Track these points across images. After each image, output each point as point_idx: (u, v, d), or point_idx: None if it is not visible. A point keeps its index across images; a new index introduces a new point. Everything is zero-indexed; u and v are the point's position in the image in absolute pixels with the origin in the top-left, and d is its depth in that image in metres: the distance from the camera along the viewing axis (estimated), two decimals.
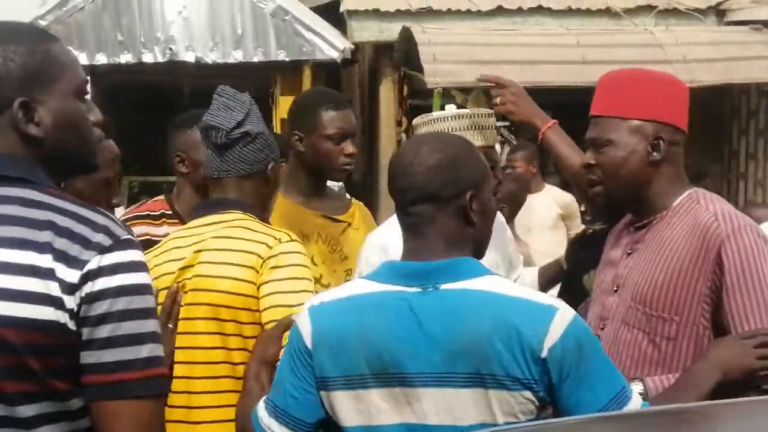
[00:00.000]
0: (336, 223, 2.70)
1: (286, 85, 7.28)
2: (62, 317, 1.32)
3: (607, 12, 7.25)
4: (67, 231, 1.34)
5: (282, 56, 7.29)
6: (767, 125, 7.46)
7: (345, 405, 1.58)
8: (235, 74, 6.85)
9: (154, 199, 2.84)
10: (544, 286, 2.88)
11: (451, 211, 1.60)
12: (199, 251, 2.02)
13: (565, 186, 5.35)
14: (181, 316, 2.02)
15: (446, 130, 2.46)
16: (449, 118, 2.53)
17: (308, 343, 1.60)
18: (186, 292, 2.02)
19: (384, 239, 2.40)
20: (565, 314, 1.52)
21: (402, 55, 7.25)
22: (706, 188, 2.03)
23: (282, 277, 1.93)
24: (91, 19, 7.21)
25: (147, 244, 2.44)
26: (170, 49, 7.26)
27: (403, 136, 7.14)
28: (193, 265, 2.02)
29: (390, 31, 7.12)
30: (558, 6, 7.28)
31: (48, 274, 1.32)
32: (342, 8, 7.27)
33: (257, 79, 6.85)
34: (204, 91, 2.69)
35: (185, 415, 2.00)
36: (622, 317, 1.95)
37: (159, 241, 2.55)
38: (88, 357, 1.34)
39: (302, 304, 1.83)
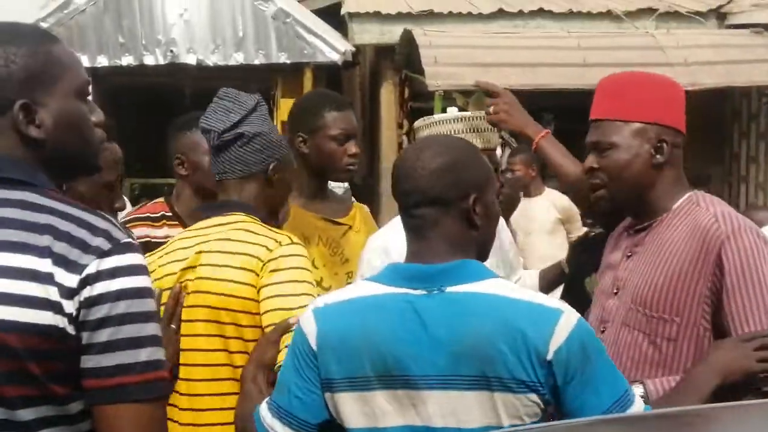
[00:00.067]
0: (337, 226, 2.70)
1: (287, 88, 7.28)
2: (61, 322, 1.32)
3: (608, 15, 7.25)
4: (66, 235, 1.34)
5: (283, 58, 7.30)
6: None
7: (349, 407, 1.58)
8: (236, 76, 6.85)
9: (154, 201, 2.84)
10: (545, 289, 2.88)
11: (455, 214, 1.60)
12: (201, 253, 2.02)
13: None
14: (182, 318, 2.02)
15: (447, 133, 2.46)
16: (450, 121, 2.53)
17: (313, 344, 1.60)
18: (188, 294, 2.02)
19: (385, 242, 2.40)
20: (569, 317, 1.52)
21: (403, 58, 7.26)
22: (708, 192, 2.03)
23: (282, 281, 1.92)
24: (92, 21, 7.22)
25: (147, 246, 2.44)
26: (171, 51, 7.27)
27: (404, 138, 7.15)
28: (194, 267, 2.02)
29: (391, 34, 7.12)
30: (559, 9, 7.28)
31: (47, 278, 1.32)
32: (343, 11, 7.28)
33: (258, 82, 6.85)
34: (205, 94, 2.69)
35: (193, 418, 2.00)
36: (622, 319, 1.95)
37: (159, 243, 2.56)
38: (88, 361, 1.34)
39: (302, 307, 1.83)
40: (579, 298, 2.35)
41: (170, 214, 2.74)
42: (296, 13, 7.35)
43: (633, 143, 1.95)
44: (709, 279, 1.84)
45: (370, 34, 7.23)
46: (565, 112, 6.68)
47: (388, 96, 7.48)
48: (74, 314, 1.32)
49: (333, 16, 7.61)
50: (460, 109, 2.66)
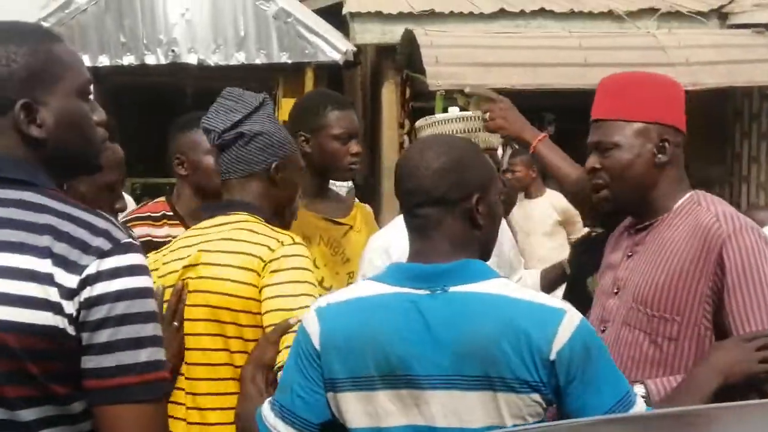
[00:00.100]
0: (338, 226, 2.70)
1: (289, 87, 7.28)
2: (61, 322, 1.32)
3: (610, 15, 7.24)
4: (66, 235, 1.34)
5: (284, 58, 7.30)
6: None
7: (352, 406, 1.58)
8: (238, 76, 6.85)
9: (156, 200, 2.84)
10: (546, 288, 2.89)
11: (458, 213, 1.61)
12: (202, 252, 2.02)
13: None
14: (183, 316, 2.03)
15: (448, 133, 2.46)
16: (452, 121, 2.53)
17: (316, 344, 1.61)
18: (189, 293, 2.02)
19: (387, 241, 2.40)
20: (573, 317, 1.52)
21: (404, 58, 7.26)
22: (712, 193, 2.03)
23: (283, 281, 1.92)
24: (93, 20, 7.23)
25: (148, 246, 2.44)
26: (173, 51, 7.27)
27: (406, 138, 7.15)
28: (196, 265, 2.02)
29: (392, 34, 7.12)
30: (560, 9, 7.28)
31: (47, 279, 1.32)
32: (344, 10, 7.28)
33: (259, 81, 6.85)
34: (206, 93, 2.69)
35: (201, 417, 2.00)
36: (623, 318, 1.95)
37: (160, 243, 2.56)
38: (89, 362, 1.34)
39: (303, 308, 1.84)
40: (581, 298, 2.35)
41: (171, 213, 2.74)
42: (298, 13, 7.35)
43: (635, 143, 1.94)
44: (711, 278, 1.83)
45: (372, 34, 7.23)
46: (567, 111, 6.68)
47: (389, 96, 7.48)
48: (74, 315, 1.32)
49: (334, 16, 7.61)
50: (461, 109, 2.66)
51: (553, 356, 1.49)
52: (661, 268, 1.90)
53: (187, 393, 2.01)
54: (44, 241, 1.33)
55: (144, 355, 1.35)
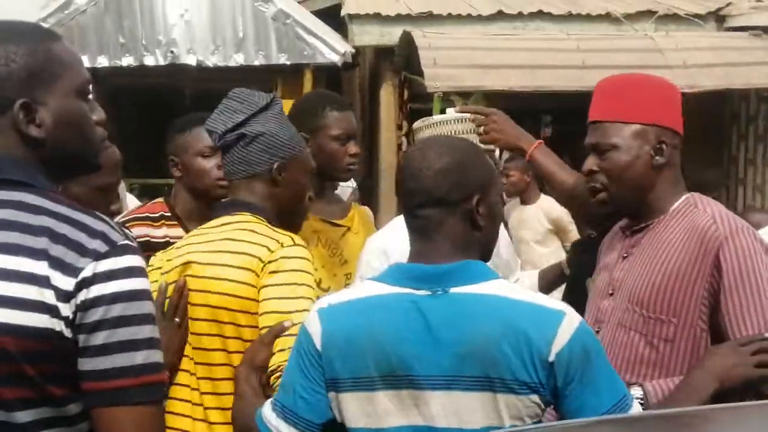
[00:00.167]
0: (335, 227, 2.70)
1: (287, 89, 7.29)
2: (57, 325, 1.32)
3: (607, 17, 7.25)
4: (63, 237, 1.34)
5: (283, 60, 7.31)
6: (766, 131, 7.46)
7: (353, 406, 1.59)
8: (236, 77, 6.84)
9: (154, 201, 2.85)
10: (545, 289, 2.88)
11: (459, 214, 1.61)
12: (204, 252, 2.03)
13: None
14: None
15: (446, 134, 2.46)
16: (449, 122, 2.53)
17: (318, 344, 1.61)
18: (189, 291, 2.02)
19: (384, 243, 2.40)
20: (572, 319, 1.53)
21: (402, 59, 7.27)
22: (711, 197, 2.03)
23: (280, 283, 1.92)
24: (92, 21, 7.23)
25: (146, 246, 2.45)
26: (172, 52, 7.27)
27: (404, 140, 7.16)
28: (197, 265, 2.02)
29: (391, 35, 7.13)
30: (558, 11, 7.29)
31: (43, 281, 1.32)
32: (343, 12, 7.28)
33: (258, 83, 6.80)
34: (205, 94, 2.70)
35: (203, 415, 2.01)
36: (618, 320, 1.96)
37: (158, 243, 2.57)
38: (86, 364, 1.34)
39: (299, 310, 1.84)
40: (581, 299, 2.35)
41: (169, 214, 2.74)
42: (296, 15, 7.36)
43: (633, 144, 1.95)
44: (707, 280, 1.84)
45: (370, 36, 7.23)
46: (564, 113, 6.69)
47: (387, 97, 7.49)
48: (70, 317, 1.32)
49: (333, 18, 7.62)
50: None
51: (552, 358, 1.50)
52: (657, 269, 1.90)
53: (192, 390, 2.02)
54: (41, 243, 1.33)
55: (140, 357, 1.34)
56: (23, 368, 1.32)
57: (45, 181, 1.41)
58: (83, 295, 1.32)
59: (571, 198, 2.47)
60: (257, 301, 1.94)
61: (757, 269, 1.82)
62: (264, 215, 2.06)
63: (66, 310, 1.32)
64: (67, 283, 1.32)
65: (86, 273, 1.32)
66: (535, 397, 1.51)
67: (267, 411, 1.67)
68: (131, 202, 3.84)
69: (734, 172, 7.71)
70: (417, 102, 7.19)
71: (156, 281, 2.04)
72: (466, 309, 1.54)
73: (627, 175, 1.95)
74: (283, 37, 7.29)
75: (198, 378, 2.01)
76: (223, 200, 2.21)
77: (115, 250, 1.35)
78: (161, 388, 1.39)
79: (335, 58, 7.27)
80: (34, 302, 1.32)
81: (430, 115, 2.70)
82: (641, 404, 1.74)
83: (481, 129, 2.49)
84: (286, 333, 1.83)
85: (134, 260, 1.37)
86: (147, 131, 7.27)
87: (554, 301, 1.61)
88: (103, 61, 7.23)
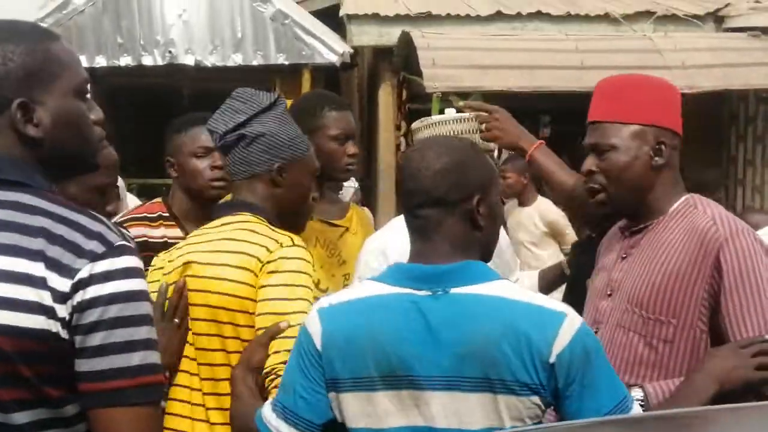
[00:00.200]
0: (334, 228, 2.70)
1: (286, 89, 7.27)
2: (54, 326, 1.32)
3: (606, 18, 7.26)
4: (60, 238, 1.33)
5: (281, 60, 7.30)
6: (765, 131, 7.47)
7: (353, 407, 1.59)
8: (235, 77, 6.85)
9: (152, 201, 2.84)
10: (545, 290, 2.88)
11: (459, 214, 1.61)
12: (204, 252, 2.03)
13: None
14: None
15: (445, 134, 2.46)
16: (448, 122, 2.53)
17: (318, 344, 1.61)
18: (189, 291, 2.02)
19: (383, 243, 2.40)
20: (573, 321, 1.53)
21: (401, 60, 7.27)
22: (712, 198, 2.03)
23: (278, 283, 1.91)
24: (90, 21, 7.23)
25: (144, 246, 2.45)
26: (170, 52, 7.27)
27: (402, 140, 7.15)
28: (197, 264, 2.02)
29: (389, 36, 7.13)
30: (557, 11, 7.29)
31: (40, 282, 1.32)
32: (341, 12, 7.28)
33: (256, 83, 6.80)
34: (203, 94, 2.70)
35: (204, 415, 2.00)
36: (617, 321, 1.95)
37: (156, 243, 2.57)
38: (83, 365, 1.34)
39: (297, 312, 1.84)
40: (581, 300, 2.35)
41: (167, 214, 2.74)
42: (295, 15, 7.36)
43: (632, 145, 1.95)
44: (707, 281, 1.84)
45: (369, 36, 7.23)
46: (563, 114, 6.69)
47: (386, 98, 7.49)
48: (67, 318, 1.32)
49: (331, 18, 7.62)
50: (458, 111, 2.66)
51: (552, 359, 1.49)
52: (656, 270, 1.90)
53: (192, 390, 2.01)
54: (38, 244, 1.33)
55: (137, 358, 1.34)
56: (20, 369, 1.32)
57: (42, 181, 1.41)
58: (80, 296, 1.32)
59: (571, 199, 2.46)
60: (256, 301, 1.93)
61: (758, 270, 1.82)
62: (264, 215, 2.06)
63: (62, 311, 1.32)
64: (63, 284, 1.32)
65: (83, 274, 1.32)
66: (536, 398, 1.51)
67: (267, 411, 1.67)
68: (132, 201, 3.83)
69: (733, 172, 7.72)
70: (416, 102, 7.19)
71: (158, 281, 2.04)
72: (467, 309, 1.54)
73: (626, 175, 1.95)
74: (282, 37, 7.29)
75: (201, 379, 2.01)
76: (225, 200, 2.21)
77: (112, 251, 1.35)
78: (159, 389, 1.39)
79: (334, 59, 7.27)
80: (30, 303, 1.31)
81: (429, 115, 2.70)
82: (642, 406, 1.74)
83: (483, 126, 2.49)
84: (283, 334, 1.83)
85: (131, 261, 1.37)
86: (145, 131, 7.26)
87: (555, 302, 1.61)
88: (101, 61, 7.22)
